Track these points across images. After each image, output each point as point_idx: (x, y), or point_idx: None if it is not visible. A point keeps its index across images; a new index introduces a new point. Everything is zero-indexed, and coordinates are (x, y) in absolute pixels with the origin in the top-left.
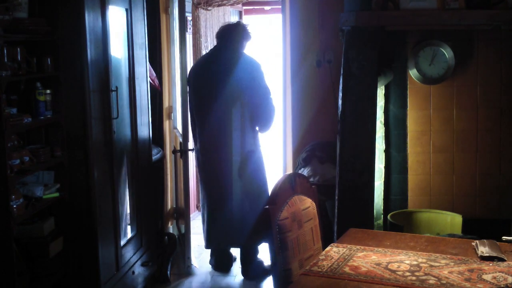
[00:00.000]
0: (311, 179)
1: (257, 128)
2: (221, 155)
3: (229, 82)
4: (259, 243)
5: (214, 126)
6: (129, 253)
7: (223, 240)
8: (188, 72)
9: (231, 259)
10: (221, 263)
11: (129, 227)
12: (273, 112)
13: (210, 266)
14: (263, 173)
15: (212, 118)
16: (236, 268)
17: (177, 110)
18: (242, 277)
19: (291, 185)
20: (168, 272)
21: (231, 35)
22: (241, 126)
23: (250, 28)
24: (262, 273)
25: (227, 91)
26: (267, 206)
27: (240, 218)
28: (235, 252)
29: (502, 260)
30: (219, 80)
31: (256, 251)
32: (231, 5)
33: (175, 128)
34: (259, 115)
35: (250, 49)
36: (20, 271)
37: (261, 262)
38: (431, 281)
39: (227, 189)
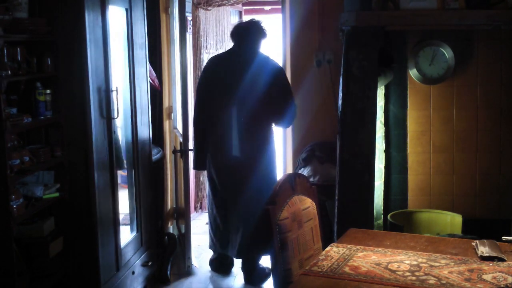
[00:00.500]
0: (311, 179)
1: (273, 124)
2: (235, 155)
3: (250, 83)
4: (262, 253)
5: (229, 125)
6: (129, 253)
7: (232, 249)
8: (196, 72)
9: (232, 263)
10: (220, 265)
11: (129, 227)
12: (295, 115)
13: (210, 266)
14: (274, 177)
15: (228, 118)
16: (236, 268)
17: (177, 110)
18: (244, 282)
19: (291, 185)
20: (168, 272)
21: (249, 35)
22: (260, 129)
23: (265, 26)
24: (265, 278)
25: (246, 91)
26: (267, 206)
27: (248, 227)
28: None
29: (502, 260)
30: (239, 80)
31: (258, 258)
32: (231, 5)
33: (175, 128)
34: (282, 117)
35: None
36: (20, 271)
37: (263, 268)
38: (431, 281)
39: (240, 192)
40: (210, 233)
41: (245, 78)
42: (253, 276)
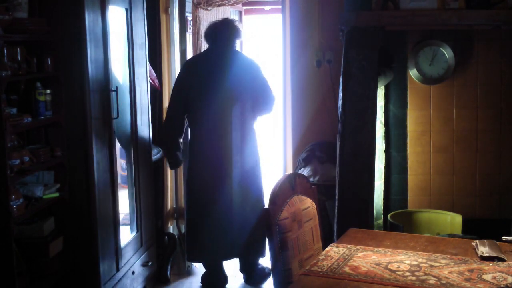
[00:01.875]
0: (311, 179)
1: (257, 118)
2: (216, 156)
3: (228, 82)
4: (260, 254)
5: (209, 127)
6: (129, 253)
7: (219, 253)
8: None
9: (226, 280)
10: (213, 282)
11: (129, 227)
12: (273, 100)
13: (201, 283)
14: (260, 179)
15: (208, 119)
16: (235, 269)
17: None
18: (243, 282)
19: (291, 185)
20: (168, 272)
21: (222, 34)
22: (240, 128)
23: (237, 24)
24: (265, 278)
25: (225, 90)
26: (267, 206)
27: (238, 228)
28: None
29: (502, 260)
30: (216, 79)
31: (257, 258)
32: (231, 5)
33: None
34: (258, 104)
35: (251, 49)
36: (20, 271)
37: (263, 268)
38: (431, 281)
39: (223, 195)
40: (191, 242)
41: (222, 76)
42: (252, 276)
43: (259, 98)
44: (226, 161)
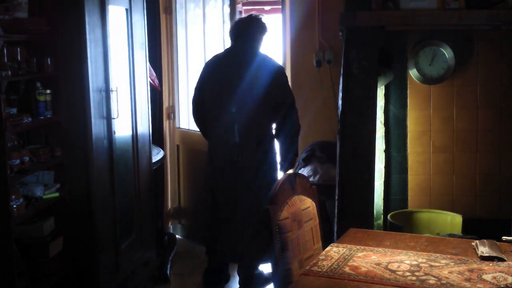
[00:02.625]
0: (311, 179)
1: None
2: (233, 157)
3: (249, 83)
4: (262, 259)
5: (228, 128)
6: (129, 253)
7: (231, 254)
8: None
9: (227, 278)
10: (214, 279)
11: (129, 227)
12: (297, 125)
13: (202, 279)
14: (274, 179)
15: (227, 120)
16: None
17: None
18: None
19: (291, 185)
20: (168, 272)
21: (248, 32)
22: (256, 133)
23: (264, 20)
24: (263, 283)
25: (245, 92)
26: (267, 206)
27: (241, 231)
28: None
29: (502, 260)
30: (238, 81)
31: (257, 264)
32: None
33: (179, 128)
34: (282, 122)
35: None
36: (20, 271)
37: (261, 273)
38: (431, 281)
39: (240, 194)
40: (207, 240)
41: (244, 78)
42: (251, 284)
43: (280, 103)
44: (242, 164)
